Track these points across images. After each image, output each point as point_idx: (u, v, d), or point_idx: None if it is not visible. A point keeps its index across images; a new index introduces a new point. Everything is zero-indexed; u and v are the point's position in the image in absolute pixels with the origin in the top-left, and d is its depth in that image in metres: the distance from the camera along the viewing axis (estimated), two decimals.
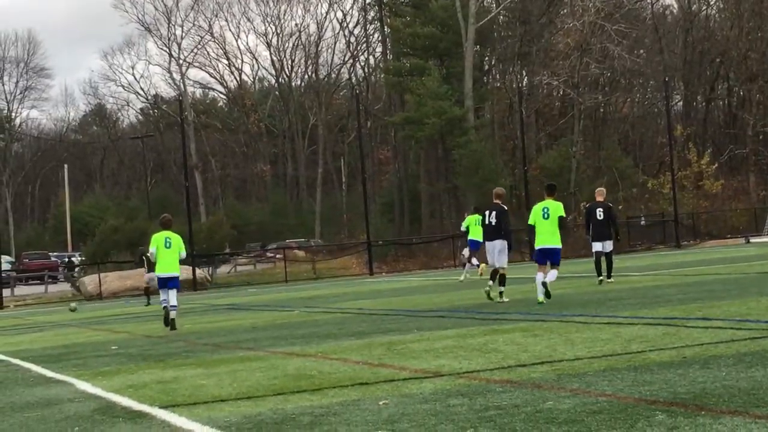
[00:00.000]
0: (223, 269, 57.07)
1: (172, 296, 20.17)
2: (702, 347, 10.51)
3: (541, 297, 18.81)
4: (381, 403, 8.54)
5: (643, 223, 56.75)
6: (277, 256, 54.16)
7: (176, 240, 20.57)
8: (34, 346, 19.09)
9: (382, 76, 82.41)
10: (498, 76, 78.10)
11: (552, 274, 19.28)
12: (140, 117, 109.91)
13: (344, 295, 29.90)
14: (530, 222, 19.75)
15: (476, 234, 28.22)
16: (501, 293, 20.27)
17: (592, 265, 24.97)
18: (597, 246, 24.56)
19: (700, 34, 75.99)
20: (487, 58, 76.58)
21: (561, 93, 72.90)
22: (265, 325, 19.38)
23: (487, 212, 20.71)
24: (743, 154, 71.67)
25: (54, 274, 65.63)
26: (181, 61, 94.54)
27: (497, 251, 20.39)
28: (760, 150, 71.69)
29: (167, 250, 20.32)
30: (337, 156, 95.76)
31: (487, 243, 20.84)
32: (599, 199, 25.15)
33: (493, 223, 20.30)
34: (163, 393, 10.39)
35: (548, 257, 19.40)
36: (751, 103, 73.37)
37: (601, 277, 24.04)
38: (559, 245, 19.47)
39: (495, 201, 20.60)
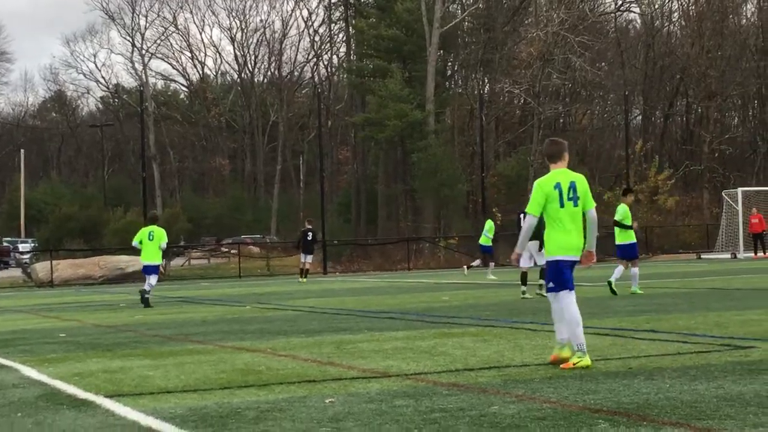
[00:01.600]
0: (177, 262, 56.76)
1: (152, 279, 24.32)
2: (648, 359, 10.60)
3: (634, 288, 21.83)
4: (327, 401, 8.55)
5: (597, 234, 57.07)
6: (232, 251, 53.99)
7: (158, 233, 24.10)
8: None
9: (344, 76, 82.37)
10: (460, 82, 78.34)
11: (635, 270, 21.97)
12: (100, 105, 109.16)
13: (297, 293, 29.86)
14: (621, 217, 21.82)
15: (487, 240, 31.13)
16: (541, 286, 21.00)
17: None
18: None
19: (662, 50, 76.56)
20: (450, 64, 76.74)
21: (521, 102, 73.19)
22: (215, 319, 19.32)
23: (521, 215, 21.82)
24: (698, 171, 72.28)
25: (5, 260, 65.08)
26: (143, 52, 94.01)
27: (534, 251, 21.16)
28: (715, 167, 72.32)
29: (150, 242, 24.02)
30: (296, 154, 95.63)
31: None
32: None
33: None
34: (109, 382, 10.34)
35: (631, 252, 21.99)
36: (709, 120, 74.00)
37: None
38: (620, 242, 21.86)
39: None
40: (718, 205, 63.01)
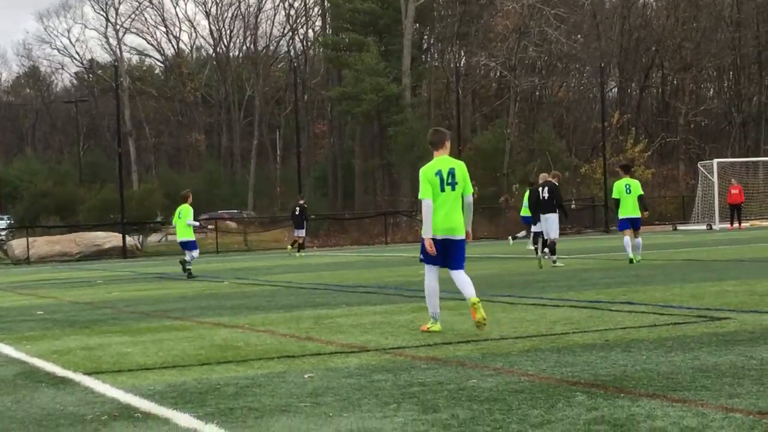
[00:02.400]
0: (154, 238, 56.61)
1: (188, 255, 25.96)
2: (625, 331, 10.68)
3: (632, 255, 22.81)
4: (306, 376, 8.58)
5: (573, 206, 57.21)
6: (209, 226, 53.86)
7: (185, 211, 25.74)
8: None
9: (320, 50, 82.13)
10: (436, 56, 78.21)
11: (638, 242, 23.02)
12: (75, 81, 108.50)
13: (275, 268, 29.87)
14: (614, 196, 23.21)
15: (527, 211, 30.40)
16: (555, 261, 23.05)
17: (519, 247, 26.15)
18: (536, 227, 26.26)
19: (637, 22, 76.66)
20: (426, 37, 76.61)
21: (498, 75, 73.20)
22: (193, 295, 19.32)
23: (540, 188, 23.78)
24: (674, 143, 72.55)
25: None
26: (117, 27, 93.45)
27: (550, 223, 23.37)
28: (690, 139, 72.63)
29: (179, 220, 25.86)
30: (272, 128, 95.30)
31: (541, 216, 23.74)
32: (550, 179, 26.24)
33: (546, 198, 23.36)
34: (88, 360, 10.34)
35: (632, 224, 22.97)
36: (684, 92, 74.28)
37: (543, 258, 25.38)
38: (639, 215, 23.00)
39: (549, 179, 23.83)
40: (693, 177, 63.31)
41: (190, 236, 26.08)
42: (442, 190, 11.14)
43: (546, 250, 23.78)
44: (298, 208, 40.31)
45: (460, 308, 13.90)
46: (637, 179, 24.02)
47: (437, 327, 11.27)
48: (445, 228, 11.12)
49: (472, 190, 11.43)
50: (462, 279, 11.22)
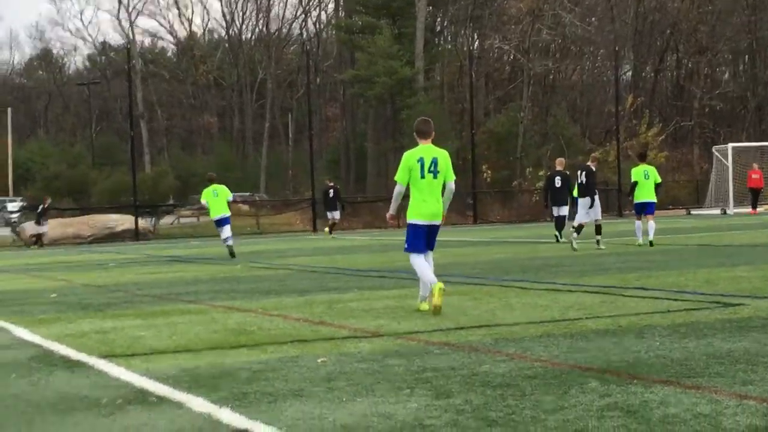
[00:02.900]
0: (166, 220, 56.71)
1: (226, 230, 26.70)
2: (638, 317, 10.68)
3: (640, 240, 23.68)
4: (319, 360, 8.61)
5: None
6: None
7: (221, 190, 26.79)
8: None
9: (333, 32, 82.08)
10: (449, 39, 78.07)
11: (651, 225, 23.70)
12: (87, 63, 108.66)
13: (287, 251, 29.92)
14: (633, 179, 24.03)
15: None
16: (598, 241, 23.60)
17: (532, 231, 26.45)
18: (556, 210, 28.19)
19: (652, 5, 76.33)
20: (439, 20, 76.44)
21: (511, 58, 73.11)
22: (206, 279, 19.36)
23: (578, 172, 24.41)
24: (689, 127, 72.36)
25: None
26: (130, 9, 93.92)
27: (588, 206, 23.88)
28: (705, 123, 72.43)
29: (216, 198, 26.61)
30: (285, 111, 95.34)
31: (579, 199, 24.27)
32: (558, 168, 28.14)
33: (584, 182, 23.89)
34: (102, 343, 10.38)
35: (646, 209, 23.94)
36: (699, 75, 74.04)
37: (556, 234, 27.48)
38: (655, 200, 24.13)
39: (587, 163, 24.57)
40: (708, 161, 63.16)
41: (228, 212, 27.29)
42: (422, 176, 11.73)
43: (571, 231, 24.06)
44: (331, 191, 41.50)
45: (472, 293, 13.93)
46: (653, 165, 25.08)
47: (424, 306, 11.92)
48: (429, 214, 11.82)
49: (453, 178, 11.94)
50: (430, 261, 12.03)
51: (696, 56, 73.60)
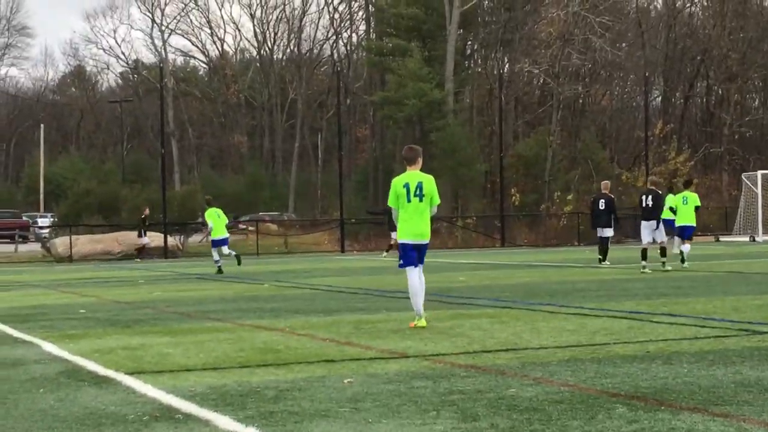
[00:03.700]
0: (195, 238, 56.87)
1: (226, 249, 30.24)
2: (665, 343, 10.62)
3: (675, 250, 25.92)
4: (346, 381, 8.59)
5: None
6: (250, 228, 54.00)
7: (221, 213, 30.13)
8: (1, 305, 19.01)
9: (364, 54, 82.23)
10: (479, 62, 78.01)
11: (686, 247, 25.78)
12: (119, 81, 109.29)
13: (315, 271, 29.93)
14: (672, 205, 25.98)
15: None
16: (664, 263, 24.40)
17: (560, 255, 26.78)
18: (600, 232, 28.53)
19: (683, 31, 76.15)
20: (469, 43, 76.40)
21: (541, 82, 72.93)
22: (233, 297, 19.40)
23: (643, 196, 24.66)
24: (718, 153, 72.03)
25: (24, 234, 65.28)
26: (163, 28, 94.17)
27: (653, 228, 24.38)
28: (734, 149, 72.07)
29: (219, 220, 29.76)
30: (314, 131, 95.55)
31: (643, 222, 24.70)
32: (604, 191, 28.83)
33: (650, 206, 24.26)
34: (130, 359, 10.41)
35: (685, 232, 25.94)
36: (729, 102, 73.72)
37: (600, 257, 28.14)
38: (694, 224, 26.24)
39: (650, 187, 25.04)
40: (737, 188, 62.79)
41: (227, 234, 30.62)
42: (409, 200, 12.73)
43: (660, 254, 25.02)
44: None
45: (499, 316, 13.90)
46: (695, 193, 26.88)
47: (422, 323, 12.71)
48: (416, 234, 12.80)
49: (438, 202, 13.06)
50: (422, 278, 13.00)
51: (726, 83, 73.28)
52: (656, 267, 24.24)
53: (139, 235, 44.44)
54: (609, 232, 28.47)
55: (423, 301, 12.95)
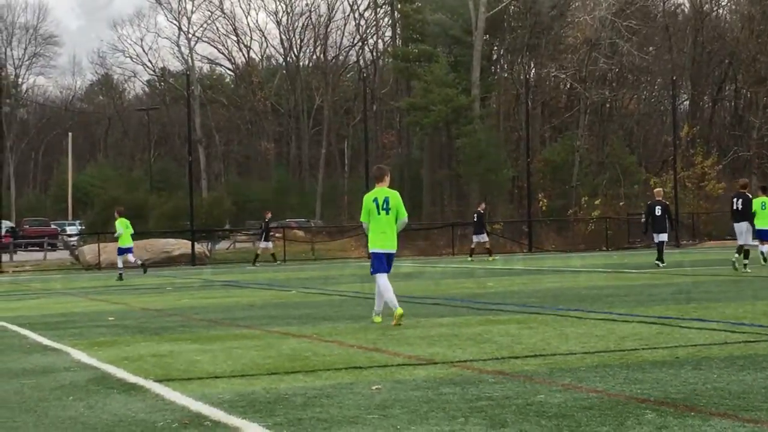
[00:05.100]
0: (222, 245, 57.04)
1: (132, 257, 32.94)
2: (695, 348, 10.57)
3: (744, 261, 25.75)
4: (374, 387, 8.60)
5: (643, 220, 56.66)
6: (277, 235, 54.05)
7: (130, 224, 32.79)
8: (31, 313, 19.13)
9: (390, 60, 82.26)
10: (506, 67, 77.87)
11: (765, 247, 26.75)
12: (146, 89, 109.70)
13: (342, 278, 29.95)
14: (753, 210, 26.46)
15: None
16: (745, 265, 25.56)
17: (587, 260, 27.21)
18: (656, 237, 29.46)
19: (711, 35, 75.77)
20: (495, 48, 76.29)
21: (568, 86, 72.81)
22: (262, 304, 19.44)
23: (734, 200, 26.71)
24: (747, 157, 71.61)
25: (53, 242, 65.65)
26: (190, 36, 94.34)
27: (744, 231, 26.12)
28: (764, 153, 71.63)
29: (127, 230, 32.26)
30: (341, 138, 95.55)
31: (735, 225, 26.56)
32: (658, 198, 30.41)
33: (740, 209, 26.19)
34: (158, 366, 10.45)
35: (764, 235, 26.65)
36: (758, 106, 73.27)
37: (658, 262, 28.77)
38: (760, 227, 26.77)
39: (741, 190, 26.94)
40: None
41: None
42: (378, 213, 14.20)
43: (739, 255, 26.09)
44: (476, 215, 43.14)
45: (527, 322, 13.88)
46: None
47: (400, 310, 13.95)
48: (384, 245, 14.28)
49: (405, 215, 14.49)
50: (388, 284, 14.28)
51: (755, 86, 72.83)
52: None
53: (262, 240, 44.46)
54: (664, 237, 29.65)
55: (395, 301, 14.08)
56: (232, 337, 13.15)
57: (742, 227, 26.10)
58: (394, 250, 14.44)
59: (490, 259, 40.61)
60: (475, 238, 42.81)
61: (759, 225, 26.64)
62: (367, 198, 14.46)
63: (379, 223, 14.23)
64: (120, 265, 33.13)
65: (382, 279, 14.25)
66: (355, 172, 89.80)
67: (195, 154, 76.93)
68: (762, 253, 27.04)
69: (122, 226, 32.57)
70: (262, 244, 43.81)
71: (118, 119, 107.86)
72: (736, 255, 25.76)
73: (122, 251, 33.04)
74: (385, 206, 14.25)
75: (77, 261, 47.79)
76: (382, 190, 14.44)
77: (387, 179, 14.68)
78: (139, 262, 34.53)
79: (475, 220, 42.97)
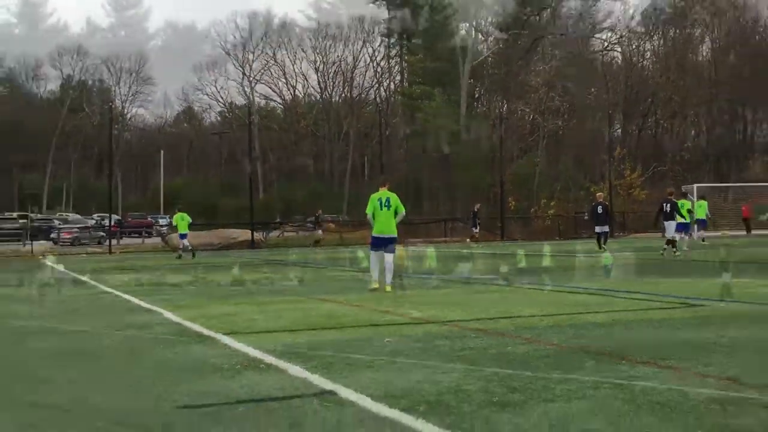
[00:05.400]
0: (274, 234, 56.84)
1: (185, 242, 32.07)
2: (625, 313, 10.54)
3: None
4: (386, 340, 8.60)
5: (585, 217, 56.27)
6: (330, 223, 53.82)
7: (187, 216, 31.98)
8: (133, 283, 19.14)
9: (399, 97, 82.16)
10: (485, 103, 77.75)
11: (701, 233, 28.30)
12: (219, 118, 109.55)
13: (363, 259, 29.79)
14: (688, 209, 26.87)
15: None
16: (674, 252, 24.65)
17: (545, 247, 27.24)
18: (598, 229, 29.09)
19: (637, 80, 75.56)
20: (477, 89, 76.18)
21: (531, 118, 72.59)
22: (304, 279, 19.39)
23: (663, 204, 25.58)
24: (663, 171, 71.32)
25: (149, 230, 65.63)
26: (251, 79, 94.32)
27: (672, 228, 25.03)
28: (676, 169, 71.35)
29: (183, 221, 31.98)
30: (362, 155, 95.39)
31: (666, 223, 25.38)
32: (599, 200, 30.34)
33: (668, 211, 25.17)
34: (226, 323, 10.45)
35: (700, 224, 27.85)
36: (672, 133, 73.01)
37: (602, 249, 27.77)
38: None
39: (668, 196, 25.78)
40: (678, 197, 61.99)
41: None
42: (381, 209, 14.45)
43: (669, 245, 25.13)
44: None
45: (501, 291, 13.83)
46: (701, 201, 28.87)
47: (376, 284, 14.38)
48: (382, 230, 14.44)
49: (403, 210, 14.65)
50: (389, 263, 14.36)
51: (670, 119, 72.59)
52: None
53: (315, 229, 45.16)
54: (606, 228, 29.41)
55: (378, 275, 14.44)
56: (283, 302, 13.13)
57: (671, 225, 25.36)
58: (394, 235, 14.60)
59: (474, 246, 40.49)
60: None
61: (681, 220, 26.41)
62: (373, 197, 14.72)
63: (381, 215, 14.46)
64: (185, 245, 33.12)
65: (374, 257, 14.68)
66: (373, 181, 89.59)
67: (254, 167, 76.79)
68: (702, 239, 27.51)
69: (177, 219, 32.81)
70: (318, 232, 44.66)
71: (197, 141, 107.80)
72: (665, 246, 25.11)
73: (181, 236, 33.22)
74: (386, 204, 14.49)
75: (166, 245, 47.75)
76: (384, 193, 14.67)
77: (387, 184, 15.08)
78: (189, 247, 33.54)
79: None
